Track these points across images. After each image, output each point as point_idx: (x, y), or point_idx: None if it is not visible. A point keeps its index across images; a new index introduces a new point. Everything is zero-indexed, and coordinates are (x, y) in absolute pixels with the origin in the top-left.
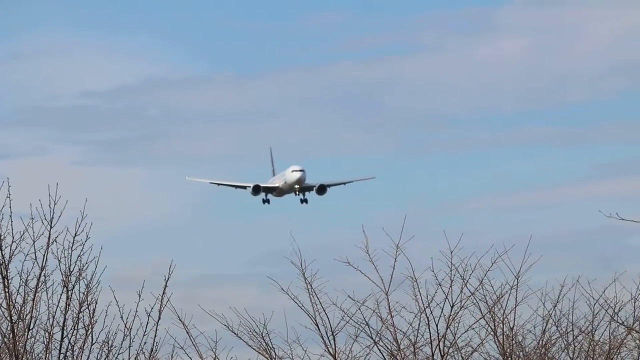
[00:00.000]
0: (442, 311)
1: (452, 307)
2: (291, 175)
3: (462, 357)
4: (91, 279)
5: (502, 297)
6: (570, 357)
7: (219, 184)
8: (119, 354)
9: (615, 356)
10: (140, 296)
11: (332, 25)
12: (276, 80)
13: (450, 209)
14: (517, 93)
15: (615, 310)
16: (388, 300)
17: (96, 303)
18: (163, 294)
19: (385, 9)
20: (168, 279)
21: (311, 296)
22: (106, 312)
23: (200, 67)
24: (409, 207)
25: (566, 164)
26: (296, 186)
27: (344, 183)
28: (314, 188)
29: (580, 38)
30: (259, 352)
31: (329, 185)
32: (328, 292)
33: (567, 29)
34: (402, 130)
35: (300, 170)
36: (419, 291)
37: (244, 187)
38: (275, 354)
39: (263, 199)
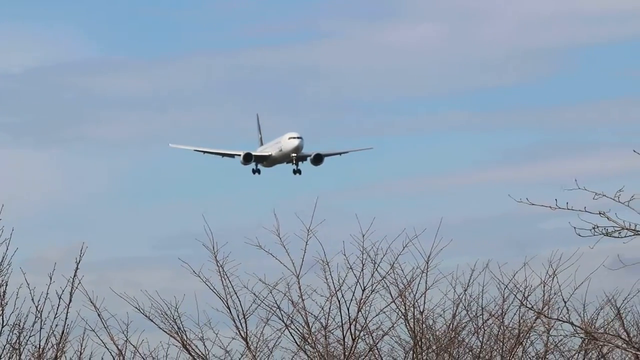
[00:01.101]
0: (353, 295)
1: (363, 290)
2: (288, 142)
3: (373, 340)
4: (2, 261)
5: (412, 281)
6: (480, 341)
7: (204, 152)
8: (29, 337)
9: (524, 340)
10: (51, 278)
11: (236, 11)
12: (182, 65)
13: (362, 193)
14: (427, 78)
15: (525, 295)
16: (299, 283)
17: (7, 285)
18: (74, 276)
19: None
20: (79, 261)
21: (223, 279)
22: (17, 294)
23: (109, 53)
24: (321, 191)
25: (477, 149)
26: (293, 155)
27: (340, 153)
28: (309, 157)
29: (489, 24)
30: (171, 335)
31: (326, 155)
32: (240, 275)
33: (476, 15)
34: (311, 115)
35: (298, 137)
36: (330, 275)
37: (232, 156)
38: (187, 336)
39: (253, 169)
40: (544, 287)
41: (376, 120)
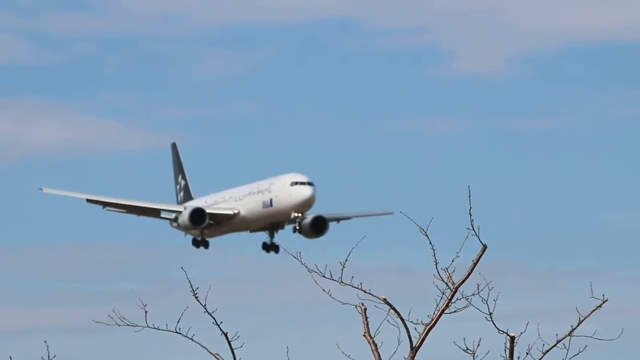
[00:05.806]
0: None
1: None
2: (292, 191)
3: None
4: None
5: None
6: None
7: (104, 204)
8: None
9: None
10: None
11: None
12: None
13: None
14: None
15: None
16: None
17: None
18: None
19: None
20: None
21: None
22: None
23: None
24: None
25: None
26: (296, 214)
27: (346, 218)
28: (304, 222)
29: None
30: None
31: (330, 220)
32: None
33: None
34: None
35: (308, 183)
36: None
37: (157, 213)
38: None
39: (196, 238)
40: None
41: None
